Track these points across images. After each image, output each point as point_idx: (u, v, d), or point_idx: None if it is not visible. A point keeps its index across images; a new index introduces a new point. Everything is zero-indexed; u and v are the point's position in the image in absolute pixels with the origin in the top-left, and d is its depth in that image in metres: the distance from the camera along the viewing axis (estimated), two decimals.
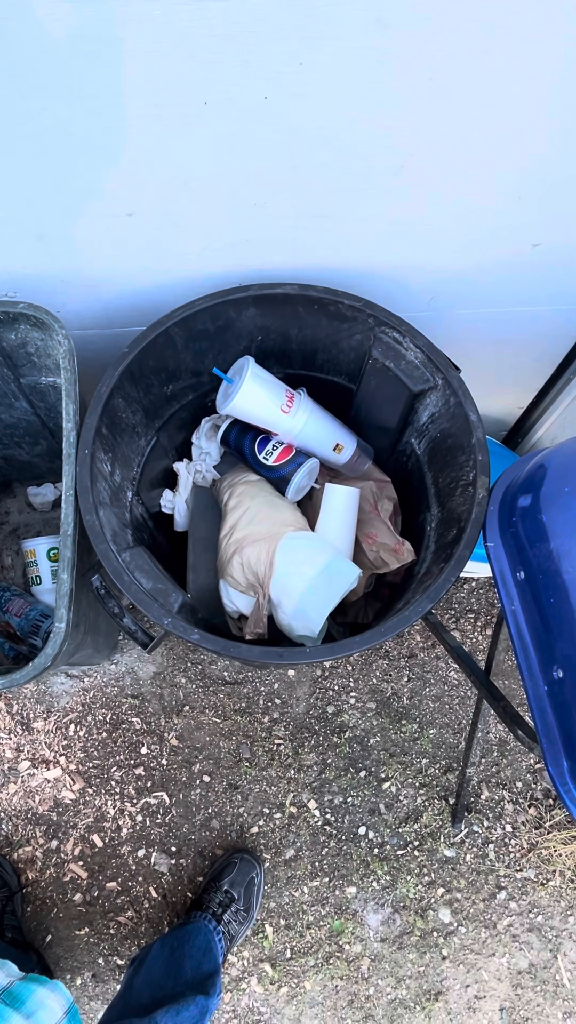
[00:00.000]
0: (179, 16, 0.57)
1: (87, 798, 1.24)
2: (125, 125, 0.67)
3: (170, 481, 1.05)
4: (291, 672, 1.32)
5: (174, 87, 0.64)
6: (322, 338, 0.94)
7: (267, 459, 0.95)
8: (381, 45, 0.60)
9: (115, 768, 1.26)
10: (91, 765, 1.26)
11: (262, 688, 1.31)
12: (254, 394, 0.89)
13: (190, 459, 1.04)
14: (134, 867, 1.21)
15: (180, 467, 1.03)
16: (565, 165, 0.74)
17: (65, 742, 1.27)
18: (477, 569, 1.26)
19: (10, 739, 1.27)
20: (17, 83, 0.62)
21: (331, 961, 1.16)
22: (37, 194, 0.75)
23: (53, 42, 0.59)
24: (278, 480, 0.96)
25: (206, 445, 1.02)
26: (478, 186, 0.77)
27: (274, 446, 0.95)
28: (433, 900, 1.20)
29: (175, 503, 1.03)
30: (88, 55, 0.60)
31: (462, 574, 0.75)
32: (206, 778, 1.25)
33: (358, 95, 0.65)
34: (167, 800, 1.24)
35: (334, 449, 0.98)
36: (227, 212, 0.79)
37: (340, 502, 0.96)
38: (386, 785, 1.26)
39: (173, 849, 1.22)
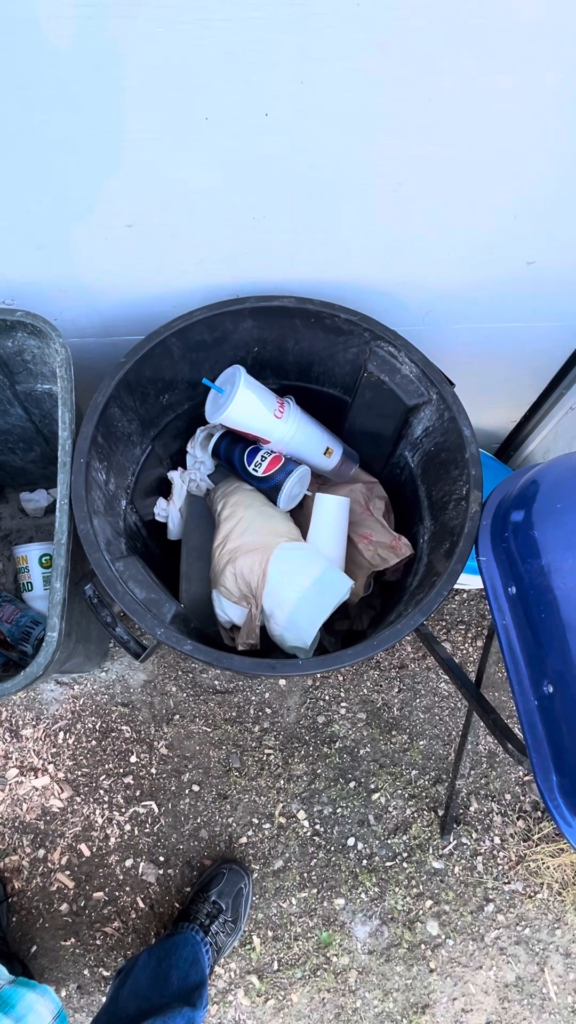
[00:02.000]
0: (183, 34, 0.58)
1: (75, 807, 1.23)
2: (126, 138, 0.68)
3: (164, 490, 1.06)
4: (282, 682, 1.32)
5: (176, 103, 0.64)
6: (318, 351, 0.94)
7: (256, 470, 0.95)
8: (381, 67, 0.61)
9: (104, 777, 1.25)
10: (80, 773, 1.25)
11: (253, 697, 1.31)
12: (248, 401, 0.89)
13: (185, 468, 1.04)
14: (122, 877, 1.20)
15: (175, 476, 1.03)
16: (561, 185, 0.75)
17: (54, 750, 1.26)
18: (468, 581, 1.26)
19: None
20: (20, 94, 0.63)
21: (318, 973, 1.16)
22: (37, 204, 0.75)
23: (57, 56, 0.59)
24: (269, 489, 0.97)
25: (200, 454, 1.03)
26: (474, 204, 0.78)
27: (263, 456, 0.95)
28: (421, 912, 1.20)
29: (169, 512, 1.03)
30: (91, 69, 0.61)
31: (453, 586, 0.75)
32: (195, 787, 1.25)
33: (358, 114, 0.66)
34: (156, 809, 1.24)
35: (324, 453, 0.98)
36: (226, 225, 0.80)
37: (331, 512, 0.96)
38: (375, 796, 1.26)
39: (161, 859, 1.21)
